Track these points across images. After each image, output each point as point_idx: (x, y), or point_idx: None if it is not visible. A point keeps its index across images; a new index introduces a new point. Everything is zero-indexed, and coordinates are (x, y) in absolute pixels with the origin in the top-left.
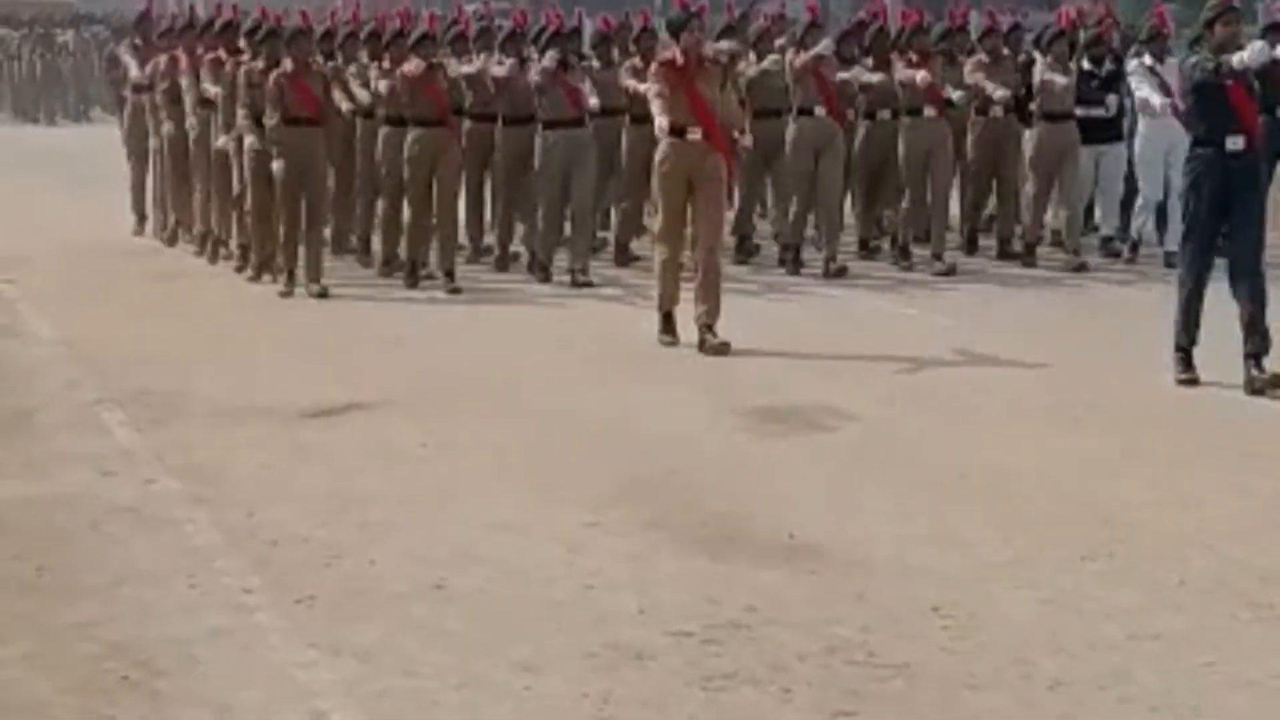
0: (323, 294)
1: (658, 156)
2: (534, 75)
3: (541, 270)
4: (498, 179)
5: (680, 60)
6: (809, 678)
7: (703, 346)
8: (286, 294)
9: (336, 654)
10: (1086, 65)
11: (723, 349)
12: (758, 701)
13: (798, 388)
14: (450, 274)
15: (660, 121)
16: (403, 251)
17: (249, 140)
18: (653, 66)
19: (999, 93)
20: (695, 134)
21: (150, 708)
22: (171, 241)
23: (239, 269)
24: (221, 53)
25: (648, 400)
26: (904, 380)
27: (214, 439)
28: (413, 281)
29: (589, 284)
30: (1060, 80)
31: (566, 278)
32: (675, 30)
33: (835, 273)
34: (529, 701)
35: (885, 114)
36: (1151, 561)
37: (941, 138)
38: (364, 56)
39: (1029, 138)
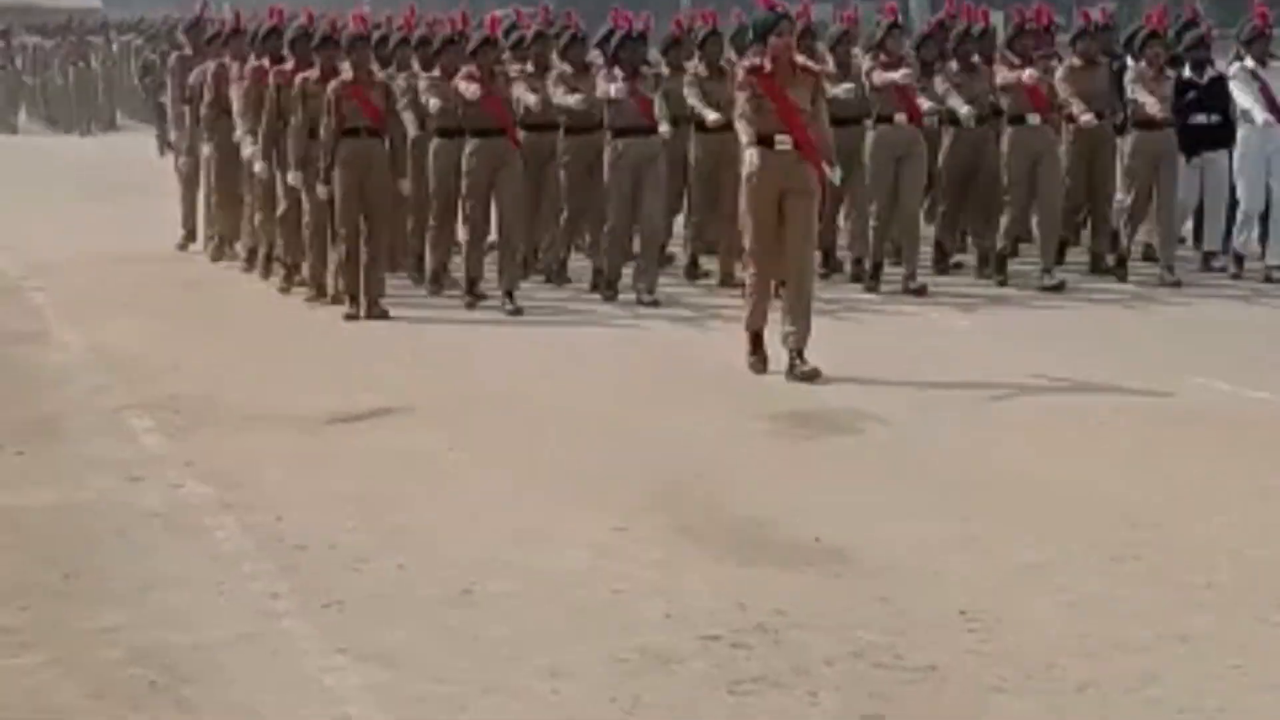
0: (382, 315)
1: (744, 170)
2: (601, 83)
3: (608, 288)
4: (552, 190)
5: (769, 66)
6: (836, 681)
7: (791, 372)
8: (353, 316)
9: (364, 659)
10: (1187, 72)
11: (812, 375)
12: (785, 705)
13: (824, 392)
14: (510, 294)
15: (744, 139)
16: (454, 268)
17: (291, 175)
18: (739, 74)
19: (1085, 117)
20: (785, 143)
21: (176, 714)
22: (216, 257)
23: (284, 290)
24: (265, 61)
25: (674, 406)
26: (932, 385)
27: (241, 444)
28: (471, 302)
29: (655, 303)
30: (1154, 87)
31: (630, 295)
32: (763, 33)
33: (915, 290)
34: (556, 707)
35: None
36: (1178, 564)
37: (1048, 145)
38: (415, 64)
39: (1124, 146)
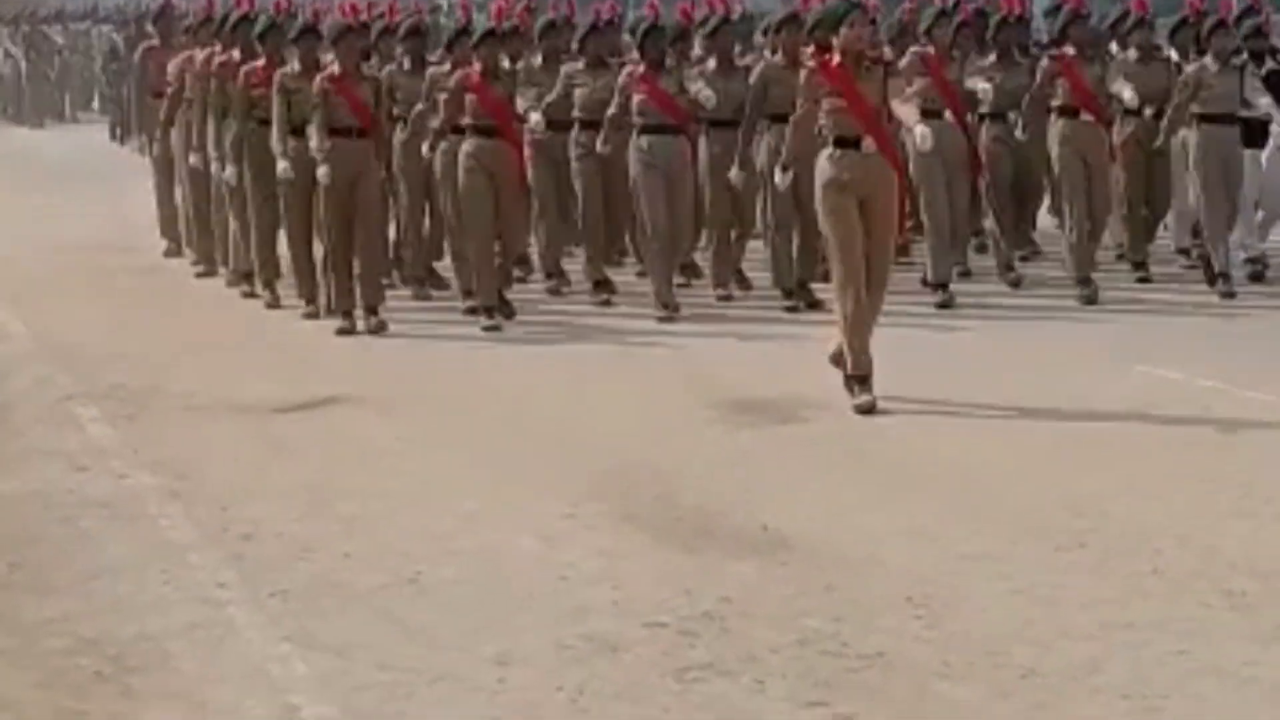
0: (381, 327)
1: (820, 178)
2: (624, 77)
3: (665, 307)
4: (564, 191)
5: (838, 59)
6: (782, 669)
7: (870, 405)
8: (346, 330)
9: (310, 648)
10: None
11: (868, 409)
12: (731, 693)
13: (773, 381)
14: (504, 300)
15: (788, 142)
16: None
17: (281, 166)
18: (803, 72)
19: (1126, 93)
20: (870, 146)
21: (123, 703)
22: (208, 273)
23: (270, 305)
24: (235, 54)
25: (623, 394)
26: (880, 375)
27: (188, 434)
28: (491, 318)
29: (676, 309)
30: (1214, 81)
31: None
32: (834, 24)
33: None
34: (503, 694)
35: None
36: (1123, 551)
37: (1099, 144)
38: (404, 59)
39: (1189, 145)
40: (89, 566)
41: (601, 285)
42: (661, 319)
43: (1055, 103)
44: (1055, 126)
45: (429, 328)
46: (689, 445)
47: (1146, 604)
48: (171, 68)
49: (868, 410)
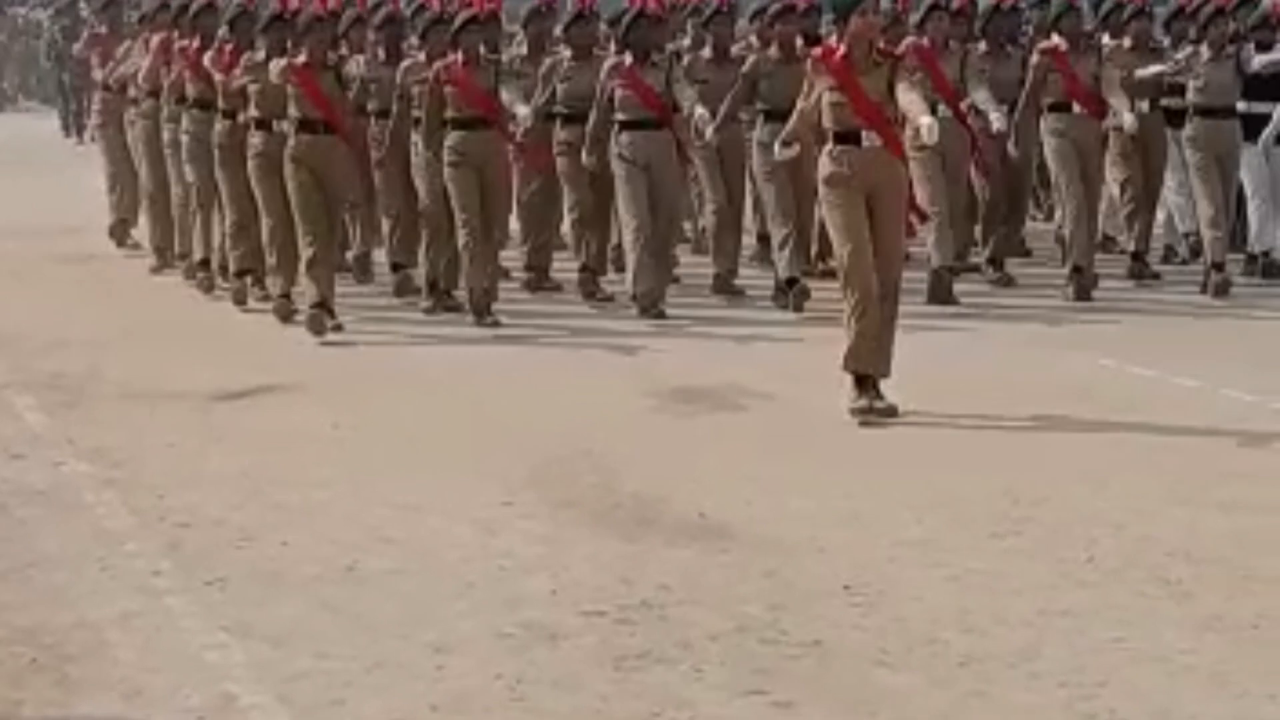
0: (337, 328)
1: (822, 172)
2: (607, 68)
3: (652, 307)
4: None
5: (843, 50)
6: (721, 656)
7: (866, 408)
8: (319, 330)
9: (247, 636)
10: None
11: (889, 413)
12: (669, 680)
13: (712, 370)
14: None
15: (788, 127)
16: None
17: (254, 141)
18: (809, 62)
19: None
20: (871, 140)
21: (59, 692)
22: (121, 241)
23: (240, 302)
24: (196, 41)
25: (562, 383)
26: (817, 363)
27: (125, 422)
28: (432, 305)
29: (660, 314)
30: (1205, 70)
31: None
32: (844, 12)
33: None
34: (441, 683)
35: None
36: (1060, 539)
37: (1094, 138)
38: (379, 49)
39: (1184, 138)
40: (25, 555)
41: (592, 292)
42: (644, 316)
43: (1047, 99)
44: (1048, 121)
45: (371, 315)
46: (627, 433)
47: (1083, 591)
48: (127, 56)
49: (862, 414)
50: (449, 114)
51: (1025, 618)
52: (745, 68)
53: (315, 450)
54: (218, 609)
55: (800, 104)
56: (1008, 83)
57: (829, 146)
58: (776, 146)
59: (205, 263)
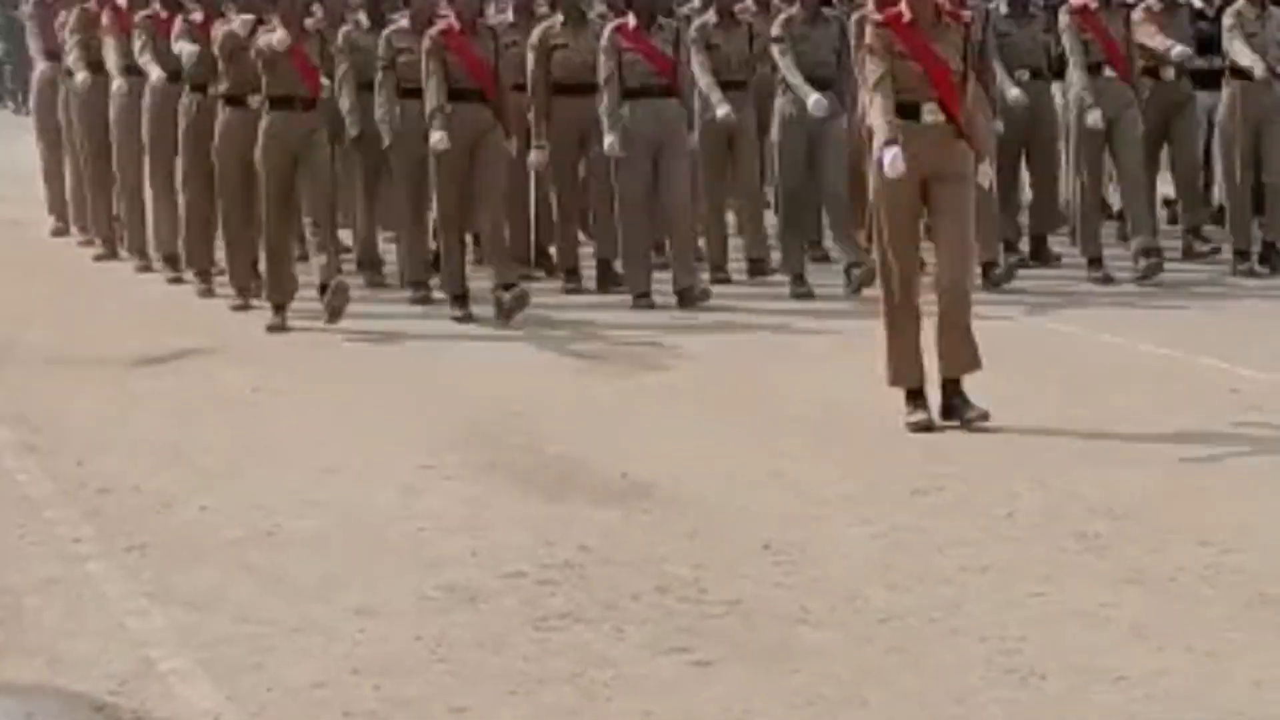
0: (337, 307)
1: (877, 152)
2: (606, 37)
3: (641, 298)
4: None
5: (909, 15)
6: (642, 616)
7: (952, 414)
8: (277, 327)
9: (168, 602)
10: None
11: (981, 419)
12: (590, 641)
13: (636, 331)
14: (509, 286)
15: (879, 122)
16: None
17: (224, 117)
18: (869, 30)
19: (1177, 49)
20: (934, 114)
21: None
22: (109, 254)
23: (204, 293)
24: (157, 6)
25: (484, 345)
26: (743, 324)
27: (45, 387)
28: (464, 315)
29: (705, 294)
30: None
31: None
32: None
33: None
34: (363, 645)
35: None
36: (981, 495)
37: (1125, 104)
38: (361, 16)
39: (1219, 103)
40: None
41: (573, 273)
42: (636, 307)
43: (1075, 60)
44: (1075, 87)
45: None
46: (552, 395)
47: (1004, 547)
48: (72, 21)
49: (925, 430)
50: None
51: (946, 574)
52: (775, 30)
53: (235, 415)
54: (138, 574)
55: (875, 83)
56: (1028, 48)
57: (885, 123)
58: (887, 158)
59: (173, 258)
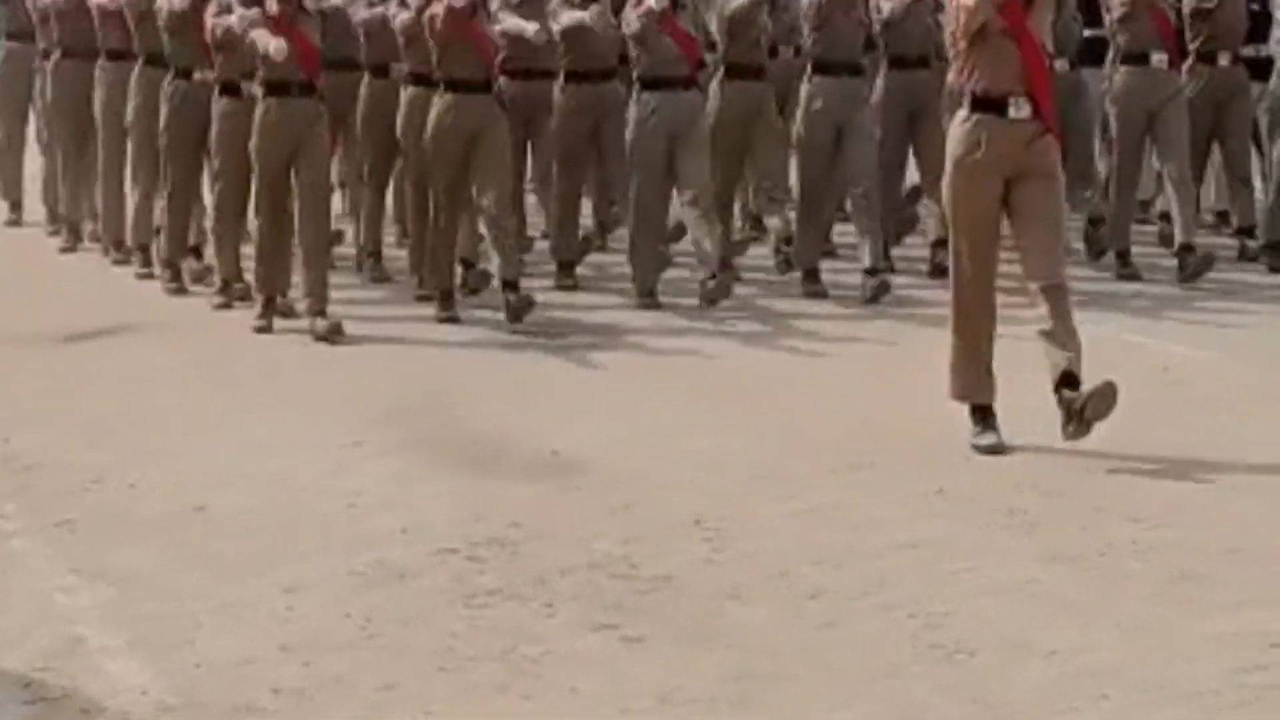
0: (335, 331)
1: (956, 148)
2: (629, 15)
3: (646, 295)
4: (544, 159)
5: None
6: (572, 592)
7: (1075, 420)
8: (263, 328)
9: (96, 578)
10: None
11: (990, 450)
12: (521, 617)
13: (567, 310)
14: (514, 284)
15: (965, 110)
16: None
17: (219, 106)
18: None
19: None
20: (1019, 108)
21: None
22: (71, 245)
23: (175, 292)
24: None
25: (412, 321)
26: (682, 306)
27: None
28: (447, 307)
29: (725, 291)
30: None
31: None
32: None
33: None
34: (291, 622)
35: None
36: (911, 471)
37: (1172, 93)
38: None
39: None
40: None
41: (567, 268)
42: (641, 306)
43: (1119, 45)
44: (1118, 75)
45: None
46: (482, 371)
47: (933, 523)
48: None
49: (995, 452)
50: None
51: (875, 550)
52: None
53: (165, 391)
54: (67, 551)
55: (962, 58)
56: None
57: (963, 114)
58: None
59: (145, 248)
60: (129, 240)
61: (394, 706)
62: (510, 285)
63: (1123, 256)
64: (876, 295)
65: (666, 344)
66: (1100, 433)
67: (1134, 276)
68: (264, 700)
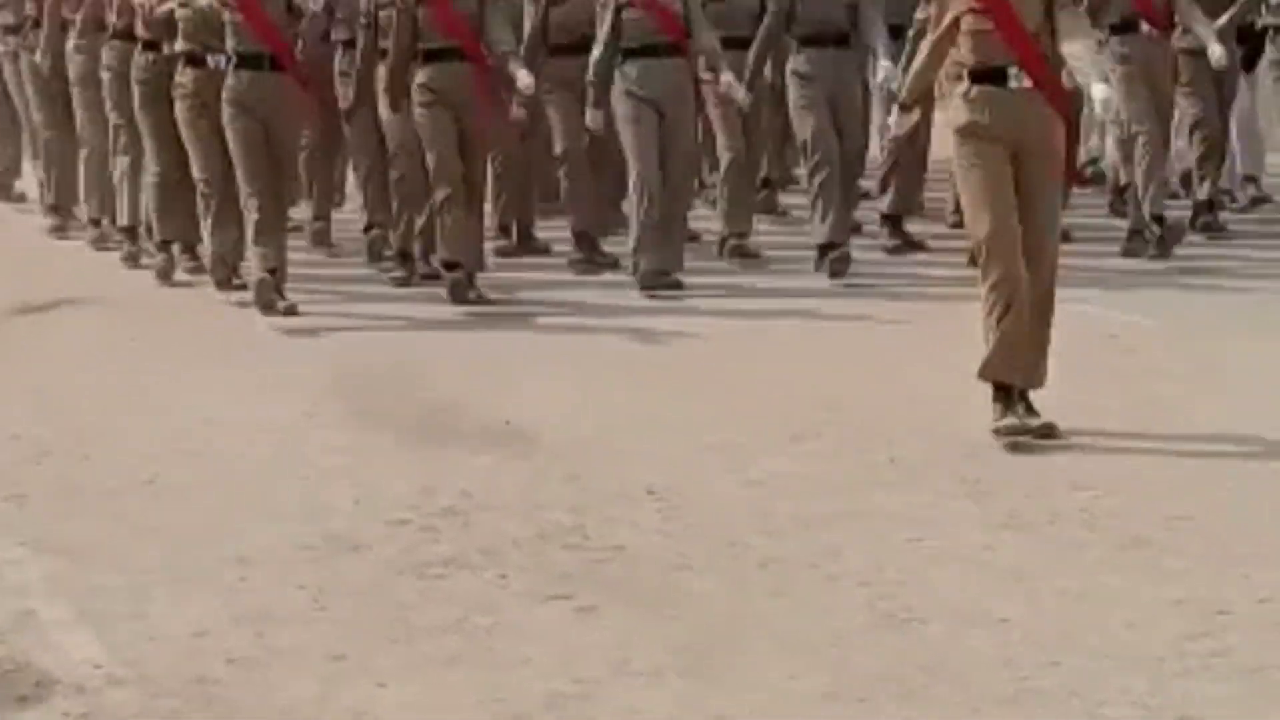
0: (290, 310)
1: (955, 121)
2: None
3: (658, 286)
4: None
5: None
6: (524, 562)
7: (1021, 427)
8: (223, 283)
9: (47, 551)
10: None
11: (1045, 432)
12: (474, 587)
13: (518, 282)
14: (456, 264)
15: (909, 81)
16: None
17: (183, 80)
18: None
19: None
20: (1019, 79)
21: None
22: (62, 225)
23: (164, 276)
24: None
25: (362, 294)
26: (626, 277)
27: None
28: (405, 278)
29: (676, 284)
30: None
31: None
32: None
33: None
34: (244, 594)
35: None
36: (862, 441)
37: (1162, 64)
38: None
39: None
40: None
41: (585, 260)
42: (646, 294)
43: (1110, 18)
44: (1109, 45)
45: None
46: (433, 343)
47: (884, 492)
48: None
49: (1010, 435)
50: (420, 45)
51: (826, 519)
52: None
53: (113, 364)
54: (16, 524)
55: (929, 38)
56: None
57: (963, 87)
58: (893, 117)
59: (132, 230)
60: (120, 219)
61: (347, 677)
62: (451, 265)
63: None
64: (839, 271)
65: (619, 317)
66: (1049, 401)
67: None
68: (216, 671)
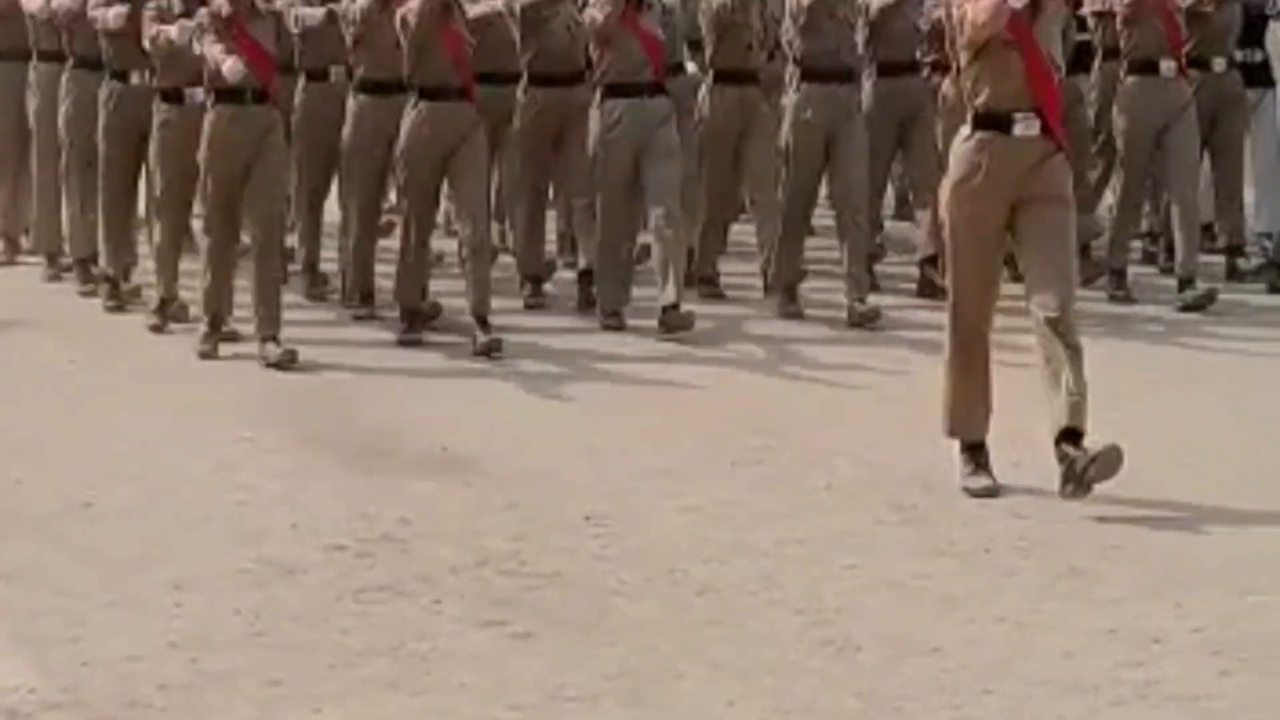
0: (288, 359)
1: (956, 170)
2: (591, 13)
3: (610, 316)
4: (512, 170)
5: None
6: (461, 589)
7: (1075, 481)
8: (208, 354)
9: None
10: None
11: (981, 492)
12: (410, 614)
13: (458, 304)
14: (484, 319)
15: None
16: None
17: (161, 113)
18: (968, 8)
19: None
20: (1028, 125)
21: None
22: (10, 258)
23: (115, 307)
24: None
25: (301, 318)
26: (568, 304)
27: None
28: (411, 328)
29: (683, 326)
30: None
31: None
32: None
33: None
34: (179, 619)
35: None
36: (800, 468)
37: (1180, 105)
38: None
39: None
40: None
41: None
42: (606, 327)
43: (1125, 54)
44: (1125, 86)
45: None
46: (370, 369)
47: (821, 519)
48: None
49: (987, 494)
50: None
51: (763, 547)
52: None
53: (51, 386)
54: None
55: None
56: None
57: (965, 132)
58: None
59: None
60: (68, 253)
61: (283, 703)
62: (482, 321)
63: (1119, 276)
64: (863, 322)
65: (561, 344)
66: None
67: (1128, 299)
68: (151, 697)
